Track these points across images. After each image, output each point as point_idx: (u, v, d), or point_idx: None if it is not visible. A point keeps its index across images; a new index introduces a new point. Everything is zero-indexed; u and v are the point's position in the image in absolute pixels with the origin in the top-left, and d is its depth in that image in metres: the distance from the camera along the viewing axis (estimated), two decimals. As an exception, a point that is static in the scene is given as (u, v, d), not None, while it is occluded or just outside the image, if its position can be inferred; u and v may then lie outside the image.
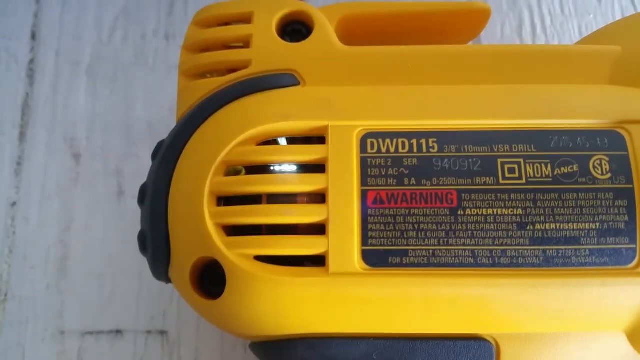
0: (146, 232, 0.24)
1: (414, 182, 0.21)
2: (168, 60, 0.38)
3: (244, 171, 0.24)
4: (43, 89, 0.38)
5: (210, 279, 0.23)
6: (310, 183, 0.22)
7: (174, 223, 0.23)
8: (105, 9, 0.39)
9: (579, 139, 0.22)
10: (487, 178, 0.21)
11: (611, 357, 0.22)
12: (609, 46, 0.24)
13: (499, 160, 0.21)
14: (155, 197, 0.23)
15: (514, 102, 0.23)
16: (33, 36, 0.39)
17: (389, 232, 0.21)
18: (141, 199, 0.25)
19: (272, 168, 0.23)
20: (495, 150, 0.22)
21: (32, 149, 0.36)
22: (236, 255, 0.21)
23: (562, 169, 0.21)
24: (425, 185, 0.21)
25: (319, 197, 0.22)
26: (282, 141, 0.24)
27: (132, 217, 0.34)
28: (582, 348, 0.22)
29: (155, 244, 0.23)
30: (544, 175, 0.21)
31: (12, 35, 0.39)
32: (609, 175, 0.21)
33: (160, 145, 0.25)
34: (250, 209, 0.22)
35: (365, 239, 0.21)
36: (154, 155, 0.25)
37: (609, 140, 0.22)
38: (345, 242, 0.21)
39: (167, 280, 0.25)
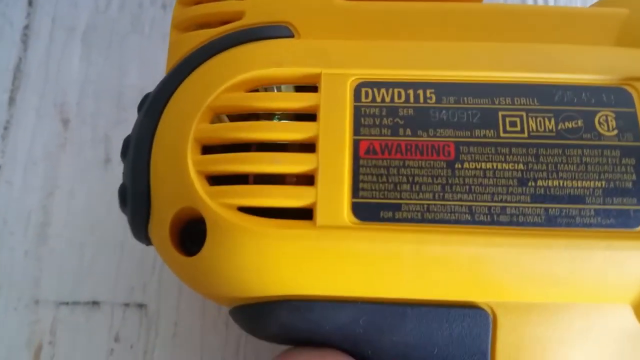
0: (127, 185, 0.23)
1: (409, 132, 0.20)
2: (164, 29, 0.37)
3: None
4: (37, 54, 0.37)
5: (192, 238, 0.22)
6: (300, 131, 0.20)
7: (156, 173, 0.22)
8: (102, -24, 0.38)
9: (583, 94, 0.21)
10: (487, 131, 0.20)
11: (616, 333, 0.21)
12: (615, 8, 0.23)
13: (500, 113, 0.20)
14: (137, 148, 0.22)
15: (516, 55, 0.22)
16: (30, 2, 0.38)
17: (381, 185, 0.20)
18: (124, 152, 0.24)
19: (262, 117, 0.22)
20: (496, 102, 0.21)
21: (21, 113, 0.35)
22: (219, 205, 0.20)
23: (566, 123, 0.20)
24: (421, 137, 0.20)
25: (309, 147, 0.20)
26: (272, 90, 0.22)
27: (117, 185, 0.33)
28: (586, 322, 0.20)
29: (136, 196, 0.22)
30: (547, 130, 0.20)
31: (9, 1, 0.38)
32: (615, 132, 0.20)
33: (146, 97, 0.24)
34: (235, 157, 0.21)
35: (355, 190, 0.20)
36: (140, 107, 0.24)
37: (615, 96, 0.21)
38: (334, 193, 0.20)
39: (147, 240, 0.23)
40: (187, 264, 0.21)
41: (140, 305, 0.32)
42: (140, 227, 0.23)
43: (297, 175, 0.21)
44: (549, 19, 0.23)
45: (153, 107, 0.23)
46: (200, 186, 0.21)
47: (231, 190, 0.20)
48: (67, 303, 0.32)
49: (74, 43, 0.37)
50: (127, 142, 0.24)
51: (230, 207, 0.20)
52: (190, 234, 0.22)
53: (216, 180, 0.21)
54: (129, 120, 0.35)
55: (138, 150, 0.22)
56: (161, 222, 0.22)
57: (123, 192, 0.23)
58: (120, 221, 0.29)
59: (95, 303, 0.32)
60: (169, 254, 0.22)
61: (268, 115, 0.22)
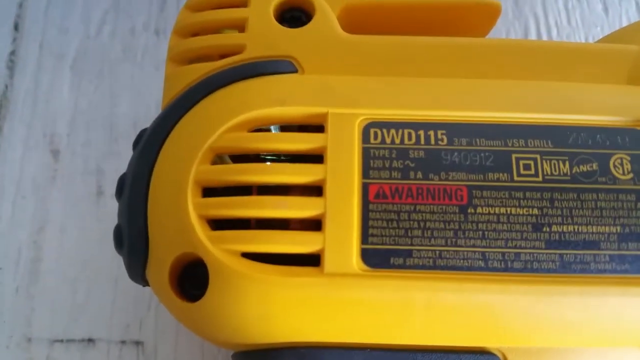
0: (123, 226, 0.22)
1: (421, 175, 0.19)
2: (157, 56, 0.36)
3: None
4: (24, 81, 0.36)
5: (192, 281, 0.21)
6: (307, 174, 0.20)
7: (154, 215, 0.21)
8: (94, 1, 0.37)
9: (598, 135, 0.20)
10: (501, 174, 0.20)
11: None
12: (626, 45, 0.23)
13: (514, 156, 0.20)
14: (134, 187, 0.21)
15: (529, 95, 0.21)
16: (16, 27, 0.37)
17: (391, 230, 0.19)
18: (119, 191, 0.23)
19: (264, 158, 0.21)
20: (510, 144, 0.20)
21: (8, 144, 0.34)
22: (221, 251, 0.19)
23: (581, 167, 0.20)
24: (433, 180, 0.19)
25: (315, 190, 0.20)
26: (276, 130, 0.22)
27: (110, 219, 0.32)
28: (597, 366, 0.20)
29: (132, 238, 0.21)
30: (561, 173, 0.20)
31: (-6, 25, 0.37)
32: (630, 175, 0.20)
33: (142, 133, 0.23)
34: (238, 201, 0.20)
35: (365, 236, 0.19)
36: (135, 144, 0.23)
37: (630, 138, 0.20)
38: (342, 239, 0.19)
39: (144, 281, 0.22)
40: (188, 309, 0.20)
41: (137, 343, 0.30)
42: (137, 270, 0.22)
43: (303, 220, 0.20)
44: (560, 56, 0.23)
45: (149, 145, 0.22)
46: (201, 231, 0.20)
47: (234, 236, 0.20)
48: (61, 340, 0.30)
49: (63, 70, 0.36)
50: (122, 181, 0.23)
51: (233, 253, 0.20)
52: (190, 277, 0.21)
53: (218, 224, 0.20)
54: (121, 151, 0.34)
55: (134, 191, 0.21)
56: (160, 266, 0.21)
57: (119, 234, 0.22)
58: (113, 256, 0.28)
59: (90, 340, 0.30)
60: (169, 299, 0.21)
61: (272, 156, 0.21)
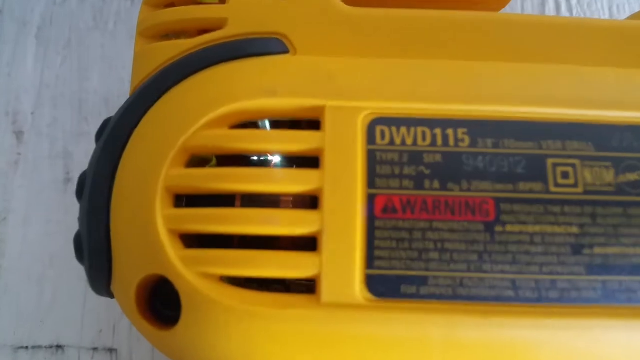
0: (83, 235, 0.19)
1: (438, 185, 0.16)
2: (132, 24, 0.32)
3: (214, 161, 0.19)
4: (-18, 53, 0.32)
5: (165, 300, 0.18)
6: (300, 181, 0.16)
7: (117, 226, 0.18)
8: (59, -39, 0.33)
9: (649, 136, 0.17)
10: (534, 184, 0.16)
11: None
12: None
13: (549, 161, 0.16)
14: (94, 190, 0.18)
15: (567, 86, 0.18)
16: (-27, -10, 0.33)
17: (402, 252, 0.16)
18: (79, 192, 0.20)
19: (249, 160, 0.18)
20: (544, 147, 0.17)
21: (-36, 123, 0.31)
22: (196, 275, 0.16)
23: (627, 175, 0.17)
24: (453, 191, 0.16)
25: (310, 202, 0.17)
26: (264, 126, 0.18)
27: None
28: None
29: (93, 252, 0.18)
30: (605, 183, 0.16)
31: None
32: (689, 186, 0.16)
33: (107, 123, 0.20)
34: (217, 213, 0.16)
35: (370, 259, 0.16)
36: (99, 137, 0.20)
37: (689, 140, 0.17)
38: (343, 262, 0.16)
39: (111, 296, 0.19)
40: (160, 337, 0.18)
41: (111, 350, 0.28)
42: (101, 286, 0.19)
43: (295, 237, 0.16)
44: (599, 35, 0.19)
45: (113, 140, 0.19)
46: (172, 249, 0.16)
47: (211, 256, 0.16)
48: (26, 347, 0.28)
49: (27, 40, 0.33)
50: (82, 180, 0.20)
51: (210, 277, 0.16)
52: (164, 293, 0.18)
53: (193, 241, 0.17)
54: (92, 132, 0.30)
55: (95, 195, 0.18)
56: (125, 288, 0.18)
57: (79, 242, 0.19)
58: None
59: (59, 347, 0.28)
60: (137, 322, 0.18)
61: (259, 159, 0.18)
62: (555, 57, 0.19)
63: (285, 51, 0.19)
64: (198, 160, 0.18)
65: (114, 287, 0.18)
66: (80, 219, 0.19)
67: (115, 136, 0.19)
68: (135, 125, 0.19)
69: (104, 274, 0.18)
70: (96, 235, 0.18)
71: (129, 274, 0.18)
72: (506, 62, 0.18)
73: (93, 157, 0.19)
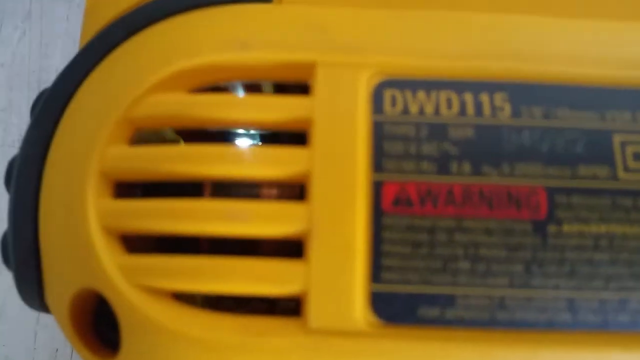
0: (8, 233, 0.15)
1: (469, 169, 0.12)
2: (101, -6, 0.28)
3: (173, 136, 0.15)
4: None
5: (109, 318, 0.14)
6: (281, 163, 0.13)
7: (46, 224, 0.14)
8: None
9: None
10: (598, 168, 0.13)
11: None
12: None
13: (616, 138, 0.13)
14: (21, 178, 0.15)
15: (635, 41, 0.13)
16: None
17: (420, 260, 0.12)
18: (7, 180, 0.16)
19: (215, 136, 0.15)
20: (609, 119, 0.12)
21: None
22: (139, 290, 0.13)
23: None
24: (489, 176, 0.12)
25: (296, 191, 0.13)
26: (236, 91, 0.14)
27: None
28: None
29: (20, 255, 0.15)
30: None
31: None
32: None
33: (41, 95, 0.16)
34: (172, 206, 0.12)
35: (376, 270, 0.12)
36: (32, 111, 0.16)
37: None
38: (338, 273, 0.12)
39: (46, 309, 0.16)
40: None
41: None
42: (31, 298, 0.15)
43: (275, 240, 0.12)
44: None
45: (45, 113, 0.15)
46: (107, 254, 0.13)
47: (160, 265, 0.13)
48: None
49: (-20, 11, 0.29)
50: (11, 165, 0.16)
51: (158, 293, 0.12)
52: (107, 310, 0.14)
53: (134, 244, 0.13)
54: (51, 117, 0.27)
55: (21, 184, 0.15)
56: (58, 302, 0.14)
57: (4, 243, 0.15)
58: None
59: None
60: (76, 346, 0.15)
61: (226, 134, 0.14)
62: (620, 12, 0.14)
63: (265, 0, 0.15)
64: (152, 141, 0.14)
65: (48, 301, 0.15)
66: (8, 214, 0.15)
67: (47, 109, 0.15)
68: (72, 94, 0.15)
69: (33, 284, 0.15)
70: (23, 235, 0.14)
71: (60, 285, 0.14)
72: (555, 17, 0.14)
73: (24, 137, 0.15)
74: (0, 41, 0.28)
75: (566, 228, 0.12)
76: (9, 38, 0.28)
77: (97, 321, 0.15)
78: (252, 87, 0.14)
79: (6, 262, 0.16)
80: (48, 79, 0.28)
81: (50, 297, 0.15)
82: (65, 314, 0.14)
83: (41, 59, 0.28)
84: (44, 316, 0.24)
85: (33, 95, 0.27)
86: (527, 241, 0.12)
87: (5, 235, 0.16)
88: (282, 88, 0.14)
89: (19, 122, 0.27)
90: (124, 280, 0.12)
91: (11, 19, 0.29)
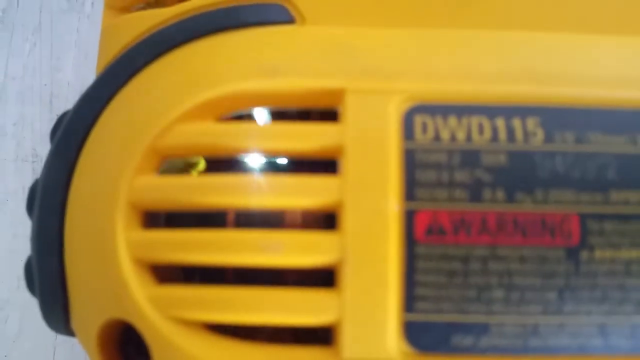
0: (33, 261, 0.15)
1: (502, 196, 0.12)
2: (112, 6, 0.28)
3: (202, 164, 0.15)
4: (-64, 39, 0.29)
5: (138, 343, 0.14)
6: (312, 192, 0.12)
7: (72, 253, 0.14)
8: None
9: None
10: (630, 194, 0.13)
11: None
12: None
13: None
14: (44, 205, 0.15)
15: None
16: None
17: (454, 289, 0.12)
18: (30, 206, 0.16)
19: (244, 165, 0.14)
20: (641, 142, 0.12)
21: None
22: (170, 322, 0.12)
23: None
24: (523, 203, 0.12)
25: (327, 220, 0.13)
26: (263, 117, 0.14)
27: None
28: None
29: (45, 283, 0.15)
30: None
31: None
32: None
33: (62, 118, 0.16)
34: (201, 237, 0.12)
35: (409, 299, 0.12)
36: (53, 135, 0.16)
37: None
38: (372, 303, 0.12)
39: (72, 333, 0.16)
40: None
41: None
42: (57, 324, 0.15)
43: (307, 270, 0.12)
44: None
45: (67, 138, 0.15)
46: (138, 286, 0.13)
47: (192, 296, 0.13)
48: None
49: (-10, 24, 0.29)
50: (34, 191, 0.16)
51: (190, 325, 0.12)
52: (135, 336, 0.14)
53: (166, 272, 0.13)
54: (64, 131, 0.27)
55: (44, 211, 0.15)
56: (85, 330, 0.14)
57: (29, 271, 0.15)
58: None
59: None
60: None
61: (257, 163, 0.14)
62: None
63: (289, 20, 0.15)
64: (179, 167, 0.14)
65: (74, 326, 0.15)
66: (31, 240, 0.15)
67: (70, 134, 0.15)
68: (95, 120, 0.14)
69: (58, 311, 0.15)
70: (47, 263, 0.14)
71: (88, 315, 0.14)
72: (587, 34, 0.14)
73: (46, 161, 0.15)
74: (10, 54, 0.28)
75: (598, 254, 0.12)
76: (19, 50, 0.29)
77: (124, 343, 0.16)
78: (278, 113, 0.14)
79: (31, 289, 0.16)
80: (60, 92, 0.28)
81: (76, 325, 0.15)
82: (93, 343, 0.14)
83: (52, 71, 0.28)
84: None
85: (45, 110, 0.27)
86: (560, 268, 0.12)
87: (28, 262, 0.16)
88: (306, 111, 0.14)
89: (32, 137, 0.27)
90: (156, 311, 0.12)
91: (21, 32, 0.29)
